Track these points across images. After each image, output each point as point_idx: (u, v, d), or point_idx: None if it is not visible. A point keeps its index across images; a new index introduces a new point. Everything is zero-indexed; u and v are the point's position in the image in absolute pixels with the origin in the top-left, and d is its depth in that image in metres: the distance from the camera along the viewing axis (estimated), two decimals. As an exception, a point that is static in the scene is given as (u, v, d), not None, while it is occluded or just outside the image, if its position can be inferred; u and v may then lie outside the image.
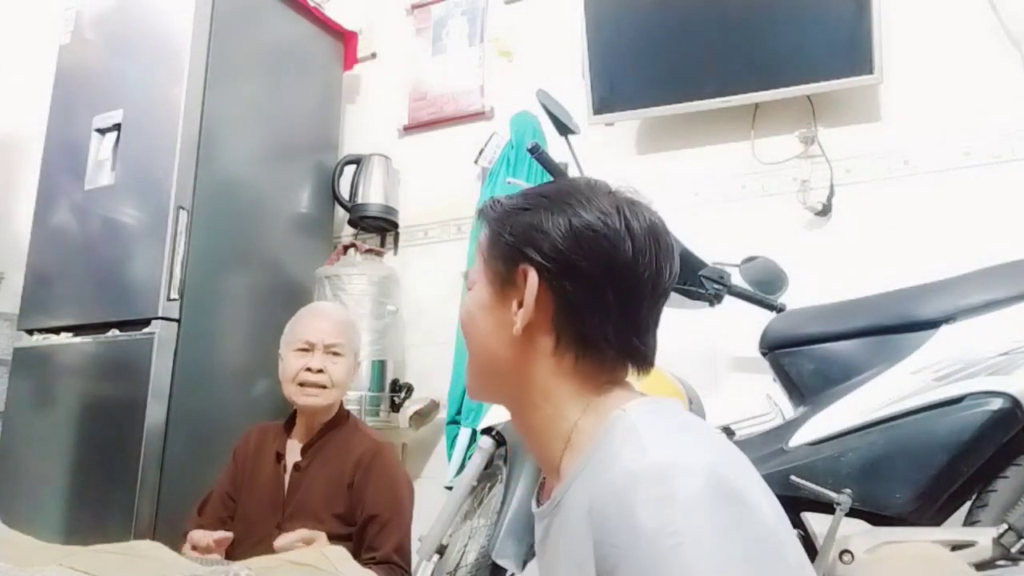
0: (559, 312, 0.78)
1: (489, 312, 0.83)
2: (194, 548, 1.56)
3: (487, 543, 1.71)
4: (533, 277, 0.78)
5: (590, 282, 0.78)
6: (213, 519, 1.77)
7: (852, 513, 1.41)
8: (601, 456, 0.71)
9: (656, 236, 0.81)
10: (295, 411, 1.83)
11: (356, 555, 1.61)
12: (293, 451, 1.78)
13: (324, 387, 1.75)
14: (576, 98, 2.27)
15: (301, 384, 1.75)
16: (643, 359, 0.82)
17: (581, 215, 0.78)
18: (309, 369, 1.74)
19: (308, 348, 1.77)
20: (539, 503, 0.85)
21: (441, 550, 1.68)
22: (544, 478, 0.87)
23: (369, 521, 1.66)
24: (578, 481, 0.73)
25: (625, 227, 0.78)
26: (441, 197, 2.77)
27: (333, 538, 1.56)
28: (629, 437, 0.70)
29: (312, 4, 2.81)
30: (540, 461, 0.84)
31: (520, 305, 0.79)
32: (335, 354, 1.78)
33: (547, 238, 0.78)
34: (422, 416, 2.51)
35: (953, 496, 1.46)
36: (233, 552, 1.73)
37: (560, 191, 0.82)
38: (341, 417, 1.82)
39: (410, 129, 2.91)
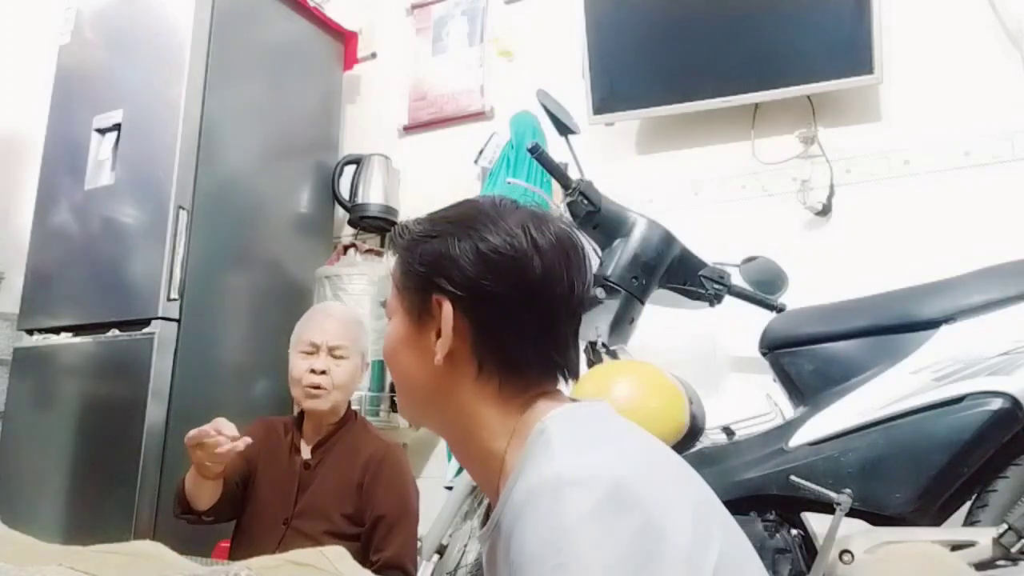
0: (477, 339, 0.78)
1: (409, 344, 0.83)
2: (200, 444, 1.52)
3: (487, 543, 1.71)
4: (448, 307, 0.78)
5: (504, 306, 0.78)
6: (230, 467, 1.72)
7: (852, 513, 1.41)
8: (523, 473, 0.72)
9: (565, 250, 0.81)
10: (302, 411, 1.83)
11: (364, 555, 1.62)
12: (303, 449, 1.79)
13: (325, 389, 1.74)
14: (576, 98, 2.27)
15: (306, 387, 1.75)
16: (567, 373, 0.83)
17: (487, 239, 0.78)
18: (313, 371, 1.74)
19: (313, 350, 1.77)
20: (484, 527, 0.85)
21: (441, 550, 1.68)
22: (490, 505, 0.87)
23: (377, 522, 1.66)
24: (508, 501, 0.73)
25: (532, 245, 0.78)
26: (441, 197, 2.72)
27: (342, 538, 1.56)
28: (543, 452, 0.71)
29: (312, 4, 2.81)
30: (482, 489, 0.85)
31: (439, 335, 0.79)
32: (339, 356, 1.77)
33: (455, 266, 0.78)
34: (422, 416, 2.51)
35: (953, 496, 1.46)
36: (238, 547, 1.74)
37: (465, 215, 0.82)
38: (349, 417, 1.82)
39: (410, 129, 2.90)
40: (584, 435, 0.73)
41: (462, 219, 0.82)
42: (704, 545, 0.66)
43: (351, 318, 1.89)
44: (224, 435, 1.52)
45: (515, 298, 0.78)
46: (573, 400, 0.82)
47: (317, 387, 1.74)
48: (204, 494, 1.67)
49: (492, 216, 0.80)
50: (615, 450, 0.71)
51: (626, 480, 0.64)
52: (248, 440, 1.55)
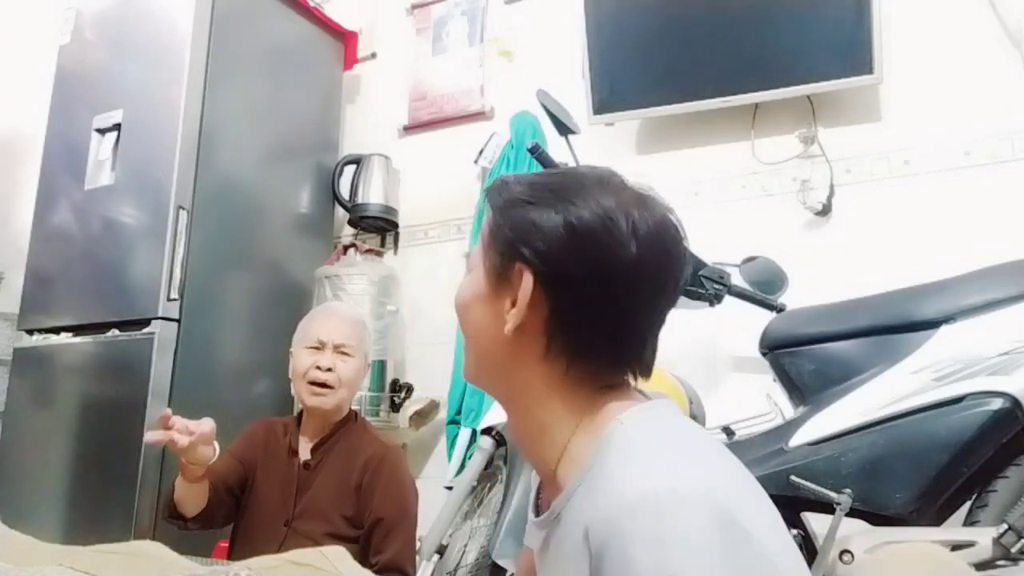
0: (552, 317, 0.75)
1: (483, 303, 0.79)
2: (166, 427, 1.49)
3: (487, 543, 1.71)
4: (528, 279, 0.74)
5: (587, 289, 0.74)
6: (224, 470, 1.73)
7: (852, 513, 1.41)
8: (598, 473, 0.69)
9: (664, 239, 0.76)
10: (303, 410, 1.83)
11: (363, 558, 1.62)
12: (303, 449, 1.78)
13: (332, 387, 1.74)
14: (576, 98, 2.27)
15: (311, 382, 1.75)
16: (640, 368, 0.79)
17: (583, 216, 0.74)
18: (319, 367, 1.75)
19: (319, 347, 1.78)
20: (537, 511, 0.83)
21: (441, 550, 1.68)
22: (540, 483, 0.85)
23: (376, 524, 1.66)
24: (576, 496, 0.72)
25: (631, 231, 0.74)
26: (441, 197, 2.77)
27: (342, 540, 1.56)
28: (625, 455, 0.68)
29: (312, 4, 2.81)
30: (535, 467, 0.82)
31: (513, 304, 0.76)
32: (345, 354, 1.78)
33: (545, 238, 0.74)
34: (422, 416, 2.52)
35: (953, 496, 1.46)
36: (238, 546, 1.73)
37: (567, 185, 0.77)
38: (350, 418, 1.82)
39: (410, 129, 2.90)
40: (666, 439, 0.71)
41: (564, 189, 0.76)
42: (793, 555, 0.67)
43: (357, 318, 1.89)
44: (176, 428, 1.49)
45: (600, 284, 0.73)
46: (641, 393, 0.79)
47: (323, 384, 1.74)
48: (190, 499, 1.65)
49: (594, 192, 0.75)
50: (703, 462, 0.69)
51: (721, 497, 0.63)
52: (204, 427, 1.53)
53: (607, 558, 0.62)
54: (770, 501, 0.72)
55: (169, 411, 1.53)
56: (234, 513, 1.78)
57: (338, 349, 1.78)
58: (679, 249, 0.78)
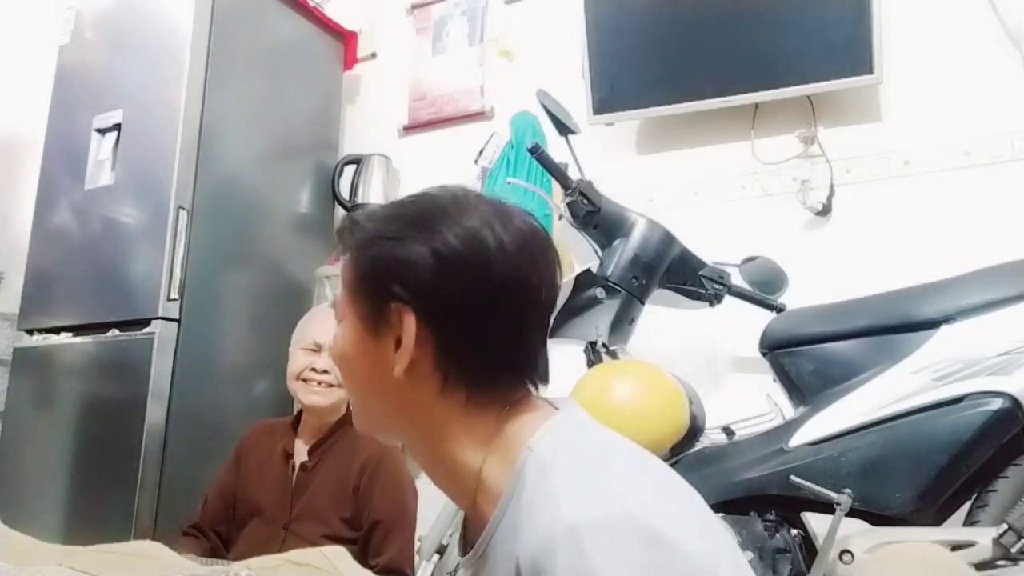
0: (440, 349, 0.73)
1: (364, 351, 0.76)
2: None
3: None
4: (409, 318, 0.72)
5: (468, 313, 0.72)
6: (214, 517, 1.78)
7: (852, 513, 1.41)
8: (516, 507, 0.68)
9: (531, 249, 0.75)
10: (301, 410, 1.83)
11: (362, 559, 1.62)
12: (300, 451, 1.78)
13: (331, 385, 1.74)
14: (576, 98, 2.26)
15: (305, 381, 1.75)
16: (538, 377, 0.77)
17: (449, 241, 0.72)
18: (314, 369, 1.75)
19: (316, 348, 1.77)
20: (464, 548, 0.80)
21: (441, 550, 1.68)
22: (465, 519, 0.82)
23: (374, 526, 1.66)
24: (498, 532, 0.70)
25: (497, 246, 0.73)
26: (441, 197, 2.76)
27: (339, 542, 1.56)
28: (541, 483, 0.66)
29: (312, 4, 2.81)
30: (456, 502, 0.80)
31: (398, 345, 0.73)
32: None
33: (414, 272, 0.72)
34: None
35: (953, 496, 1.46)
36: (238, 551, 1.73)
37: (423, 212, 0.75)
38: (347, 418, 1.81)
39: (410, 129, 2.90)
40: (580, 461, 0.68)
41: (420, 217, 0.75)
42: (732, 560, 0.66)
43: None
44: None
45: (480, 304, 0.72)
46: (547, 403, 0.77)
47: (323, 382, 1.74)
48: None
49: (452, 213, 0.74)
50: (618, 481, 0.67)
51: (640, 515, 0.62)
52: None
53: None
54: (699, 500, 0.71)
55: None
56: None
57: None
58: (547, 254, 0.77)
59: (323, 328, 1.80)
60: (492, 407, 0.74)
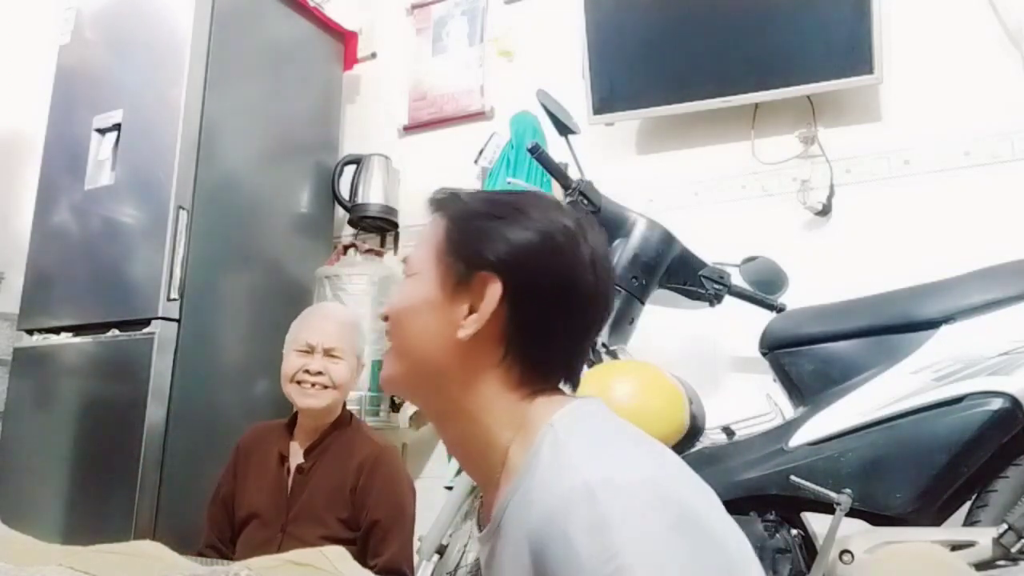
0: (512, 325, 0.76)
1: (432, 309, 0.79)
2: None
3: (487, 543, 1.71)
4: (496, 287, 0.76)
5: (549, 301, 0.77)
6: (219, 523, 1.78)
7: (852, 513, 1.41)
8: (532, 475, 0.69)
9: (608, 265, 0.82)
10: (296, 412, 1.83)
11: (361, 560, 1.61)
12: (296, 453, 1.78)
13: (325, 387, 1.74)
14: (576, 98, 2.27)
15: (299, 383, 1.74)
16: (575, 381, 0.82)
17: (552, 233, 0.77)
18: (307, 371, 1.74)
19: (308, 350, 1.77)
20: (480, 526, 0.82)
21: (441, 550, 1.68)
22: (482, 499, 0.83)
23: (372, 527, 1.66)
24: (512, 503, 0.71)
25: (589, 256, 0.78)
26: (441, 197, 2.76)
27: (337, 543, 1.56)
28: (558, 454, 0.68)
29: (312, 4, 2.81)
30: (477, 478, 0.82)
31: (472, 311, 0.76)
32: (334, 357, 1.77)
33: (516, 251, 0.76)
34: (422, 416, 2.51)
35: (953, 496, 1.46)
36: (237, 553, 1.73)
37: (528, 204, 0.80)
38: (343, 419, 1.81)
39: (410, 129, 2.90)
40: (597, 436, 0.71)
41: (526, 207, 0.79)
42: (739, 544, 0.67)
43: (348, 320, 1.88)
44: None
45: (563, 297, 0.77)
46: (568, 396, 0.80)
47: (317, 384, 1.74)
48: None
49: (555, 214, 0.80)
50: (638, 453, 0.70)
51: (660, 481, 0.63)
52: None
53: (550, 557, 0.61)
54: (713, 494, 0.71)
55: None
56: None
57: (328, 353, 1.77)
58: (611, 266, 0.85)
59: (316, 330, 1.80)
60: (533, 391, 0.77)
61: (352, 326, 1.87)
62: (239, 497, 1.79)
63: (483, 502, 0.83)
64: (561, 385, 0.81)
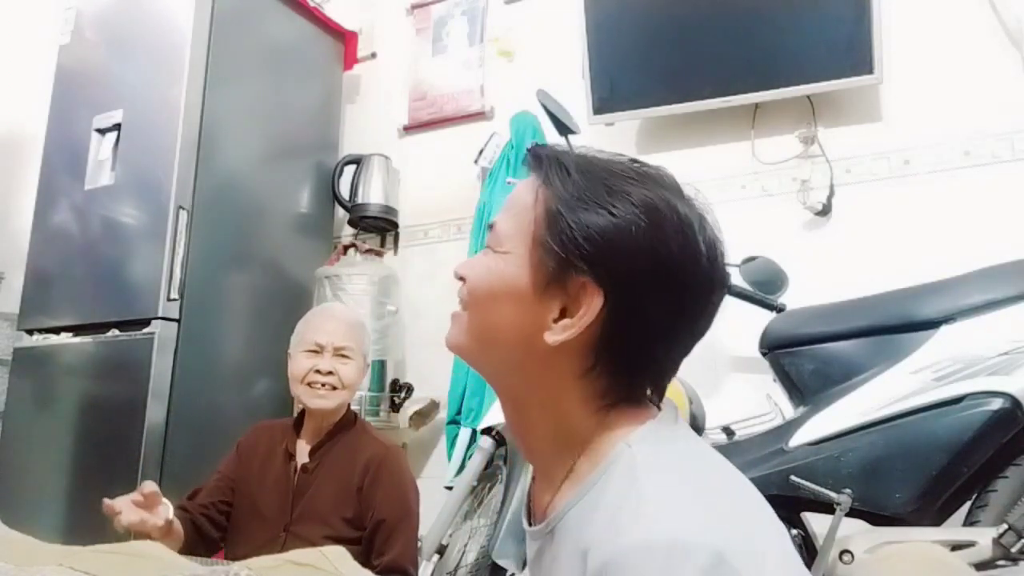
0: (606, 337, 0.68)
1: (519, 302, 0.70)
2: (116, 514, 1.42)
3: (487, 543, 1.71)
4: (596, 301, 0.66)
5: (653, 320, 0.68)
6: (209, 499, 1.75)
7: (852, 513, 1.42)
8: (598, 496, 0.66)
9: (722, 263, 0.71)
10: (303, 411, 1.83)
11: (365, 559, 1.61)
12: (301, 452, 1.77)
13: (335, 388, 1.74)
14: (576, 98, 2.27)
15: (310, 384, 1.74)
16: (663, 392, 0.74)
17: (665, 235, 0.67)
18: (318, 371, 1.74)
19: (317, 350, 1.76)
20: (530, 517, 0.79)
21: (441, 550, 1.68)
22: (531, 487, 0.80)
23: (378, 527, 1.66)
24: (573, 514, 0.68)
25: (706, 256, 0.68)
26: (441, 197, 2.77)
27: (341, 542, 1.56)
28: (630, 488, 0.64)
29: (312, 4, 2.81)
30: (537, 471, 0.78)
31: (563, 314, 0.68)
32: (344, 356, 1.77)
33: (623, 258, 0.66)
34: (422, 416, 2.52)
35: (953, 496, 1.46)
36: (238, 552, 1.73)
37: (644, 193, 0.69)
38: (349, 419, 1.81)
39: (410, 129, 2.90)
40: (674, 478, 0.65)
41: (641, 197, 0.68)
42: None
43: (355, 320, 1.88)
44: (134, 503, 1.44)
45: (668, 317, 0.68)
46: (645, 407, 0.73)
47: (327, 385, 1.73)
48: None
49: (674, 202, 0.69)
50: (710, 502, 0.64)
51: (723, 545, 0.59)
52: (160, 520, 1.46)
53: None
54: (779, 528, 0.68)
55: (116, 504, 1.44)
56: (226, 526, 1.77)
57: (338, 352, 1.76)
58: (728, 276, 0.73)
59: (323, 329, 1.79)
60: (617, 404, 0.70)
61: (360, 326, 1.86)
62: (242, 493, 1.78)
63: (533, 490, 0.79)
64: (655, 399, 0.73)
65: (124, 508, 1.42)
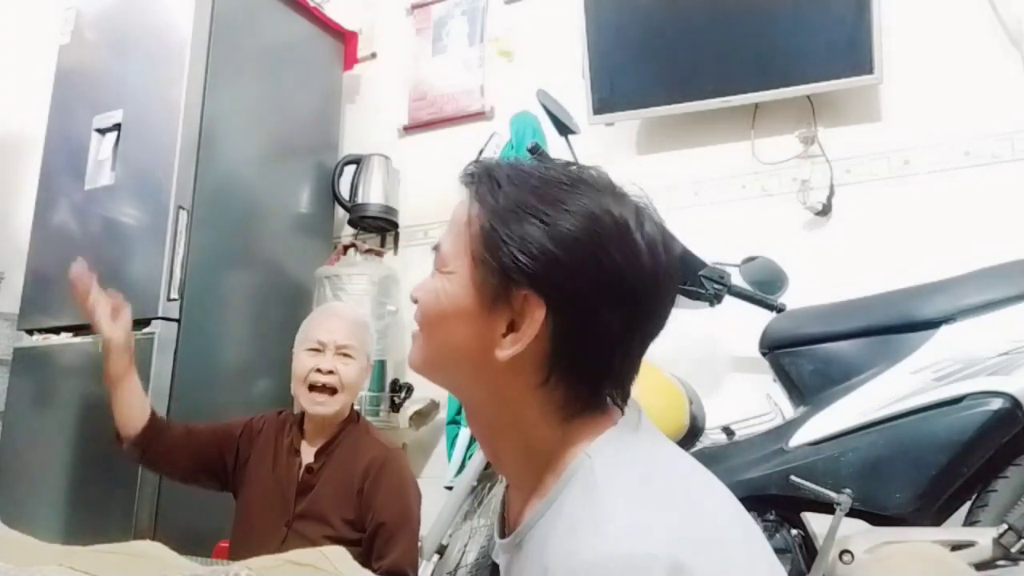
0: (557, 347, 0.67)
1: (467, 320, 0.70)
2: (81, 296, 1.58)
3: (487, 543, 1.71)
4: (539, 311, 0.66)
5: (601, 319, 0.67)
6: (209, 441, 1.78)
7: (852, 513, 1.42)
8: (558, 509, 0.66)
9: (669, 256, 0.70)
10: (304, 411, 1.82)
11: (365, 561, 1.61)
12: (306, 451, 1.77)
13: (334, 392, 1.72)
14: (576, 98, 2.27)
15: (311, 387, 1.73)
16: (627, 393, 0.73)
17: (600, 234, 0.66)
18: (319, 370, 1.73)
19: (320, 348, 1.75)
20: (503, 529, 0.79)
21: (441, 550, 1.68)
22: (505, 498, 0.80)
23: (378, 529, 1.66)
24: (538, 527, 0.68)
25: (646, 249, 0.68)
26: (441, 197, 2.76)
27: (342, 543, 1.56)
28: (588, 501, 0.63)
29: (312, 4, 2.81)
30: (510, 482, 0.78)
31: (511, 327, 0.68)
32: (346, 355, 1.76)
33: (559, 264, 0.66)
34: (422, 416, 2.52)
35: (953, 496, 1.46)
36: (238, 547, 1.73)
37: (577, 195, 0.69)
38: (351, 420, 1.81)
39: (410, 129, 2.90)
40: (633, 489, 0.64)
41: (574, 199, 0.68)
42: None
43: (358, 319, 1.87)
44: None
45: (616, 318, 0.67)
46: (607, 412, 0.72)
47: (323, 389, 1.72)
48: (124, 406, 1.68)
49: (607, 201, 0.69)
50: (669, 513, 0.62)
51: (683, 557, 0.58)
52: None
53: None
54: (748, 527, 0.67)
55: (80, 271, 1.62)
56: (210, 479, 1.78)
57: (340, 351, 1.75)
58: (676, 258, 0.73)
59: (325, 328, 1.79)
60: (579, 413, 0.70)
61: (363, 325, 1.85)
62: (249, 469, 1.77)
63: (507, 499, 0.79)
64: (618, 401, 0.73)
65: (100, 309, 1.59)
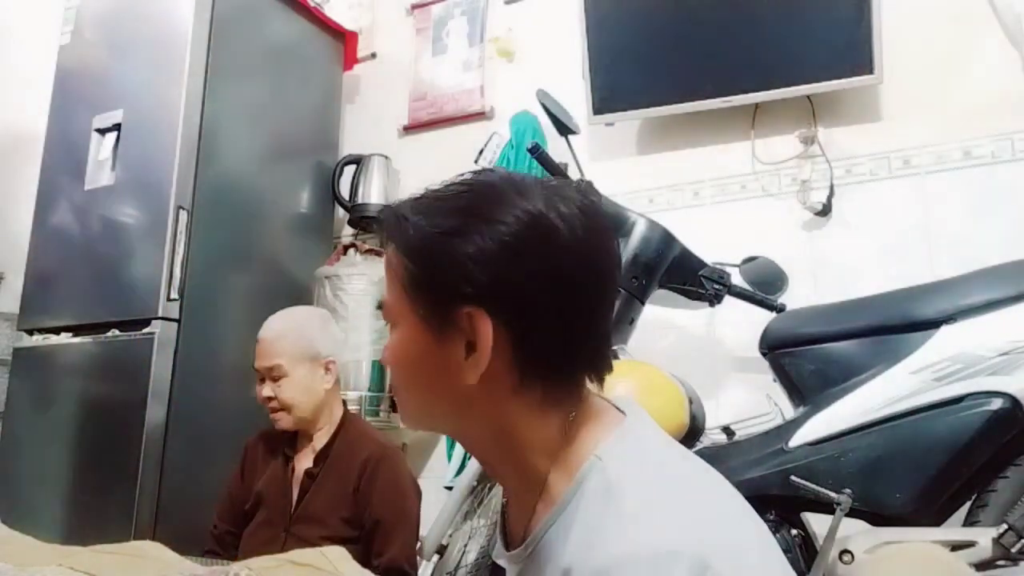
0: (518, 347, 0.68)
1: (427, 358, 0.71)
2: None
3: (487, 543, 1.71)
4: (485, 323, 0.67)
5: (545, 306, 0.67)
6: (230, 518, 1.81)
7: (852, 513, 1.41)
8: (576, 511, 0.66)
9: (594, 222, 0.70)
10: None
11: (364, 559, 1.61)
12: (305, 457, 1.78)
13: (281, 409, 1.76)
14: (576, 98, 2.27)
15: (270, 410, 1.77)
16: (607, 368, 0.73)
17: (516, 230, 0.66)
18: (265, 397, 1.76)
19: (260, 376, 1.78)
20: (505, 542, 0.78)
21: (441, 550, 1.68)
22: (504, 510, 0.80)
23: (375, 526, 1.66)
24: (551, 533, 0.68)
25: (568, 229, 0.68)
26: (441, 197, 2.76)
27: (340, 542, 1.56)
28: (607, 504, 0.64)
29: (312, 4, 2.81)
30: (510, 497, 0.78)
31: (471, 349, 0.68)
32: (277, 377, 1.75)
33: (485, 270, 0.66)
34: (422, 416, 2.51)
35: (953, 496, 1.46)
36: (240, 550, 1.74)
37: (482, 201, 0.70)
38: (346, 421, 1.81)
39: (410, 129, 2.90)
40: (651, 489, 0.65)
41: (478, 206, 0.69)
42: None
43: (280, 330, 1.81)
44: None
45: (556, 294, 0.67)
46: (611, 406, 0.74)
47: (275, 410, 1.75)
48: None
49: (514, 199, 0.68)
50: (695, 513, 0.64)
51: (705, 552, 0.59)
52: None
53: None
54: (760, 528, 0.69)
55: None
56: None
57: (269, 374, 1.76)
58: (607, 226, 0.73)
59: (256, 355, 1.79)
60: (565, 404, 0.71)
61: (284, 334, 1.79)
62: (247, 496, 1.80)
63: (506, 513, 0.79)
64: (589, 383, 0.73)
65: None
